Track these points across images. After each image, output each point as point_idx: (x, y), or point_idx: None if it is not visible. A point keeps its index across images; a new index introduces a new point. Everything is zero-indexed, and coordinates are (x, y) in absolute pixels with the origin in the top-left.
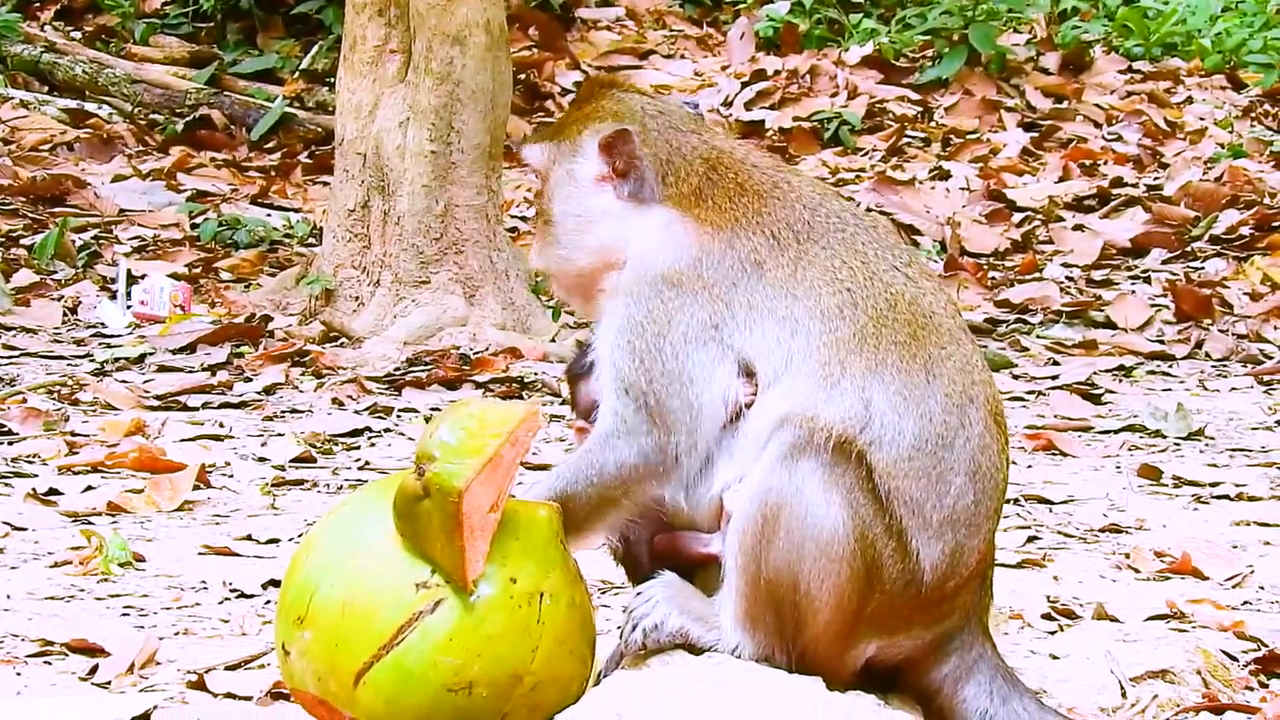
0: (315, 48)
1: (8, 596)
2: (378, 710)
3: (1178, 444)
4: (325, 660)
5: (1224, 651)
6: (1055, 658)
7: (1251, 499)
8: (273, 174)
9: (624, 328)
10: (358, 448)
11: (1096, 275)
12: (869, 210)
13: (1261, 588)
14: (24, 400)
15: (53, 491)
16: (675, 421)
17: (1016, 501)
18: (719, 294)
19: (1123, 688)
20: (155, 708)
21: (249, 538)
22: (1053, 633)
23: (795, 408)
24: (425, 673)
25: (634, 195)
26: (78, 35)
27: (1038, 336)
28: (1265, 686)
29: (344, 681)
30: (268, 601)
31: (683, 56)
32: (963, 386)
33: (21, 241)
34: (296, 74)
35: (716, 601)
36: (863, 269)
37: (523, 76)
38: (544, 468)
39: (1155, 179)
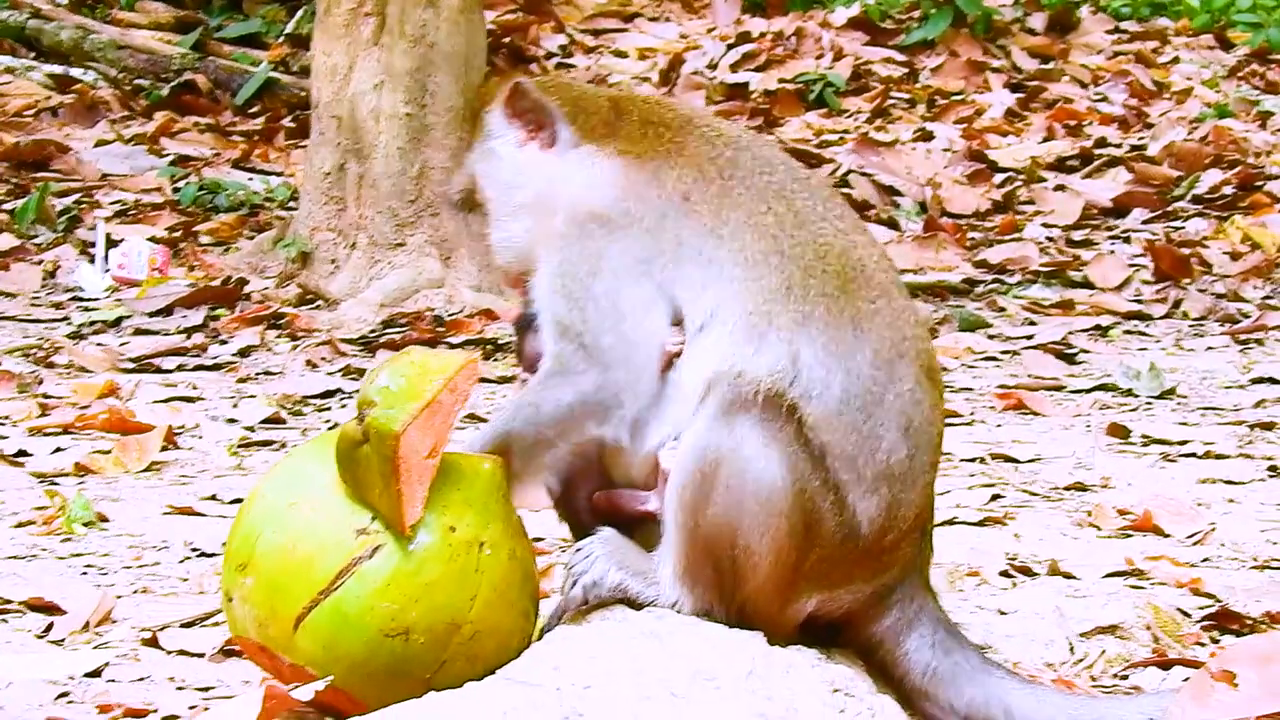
0: (299, 12)
1: None
2: (316, 655)
3: (1149, 403)
4: (265, 606)
5: (1178, 608)
6: (1003, 613)
7: (1219, 457)
8: (256, 139)
9: (557, 271)
10: (329, 409)
11: (1076, 235)
12: (849, 172)
13: (1222, 545)
14: None
15: (21, 453)
16: (613, 358)
17: (981, 460)
18: (647, 226)
19: (1070, 643)
20: (107, 664)
21: (214, 498)
22: (1006, 589)
23: (724, 362)
24: (362, 618)
25: (555, 140)
26: (64, 1)
27: (1015, 296)
28: (1216, 642)
29: (283, 627)
30: None
31: (668, 19)
32: (892, 342)
33: (3, 206)
34: (281, 39)
35: (656, 557)
36: (791, 217)
37: (507, 40)
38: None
39: (1140, 139)
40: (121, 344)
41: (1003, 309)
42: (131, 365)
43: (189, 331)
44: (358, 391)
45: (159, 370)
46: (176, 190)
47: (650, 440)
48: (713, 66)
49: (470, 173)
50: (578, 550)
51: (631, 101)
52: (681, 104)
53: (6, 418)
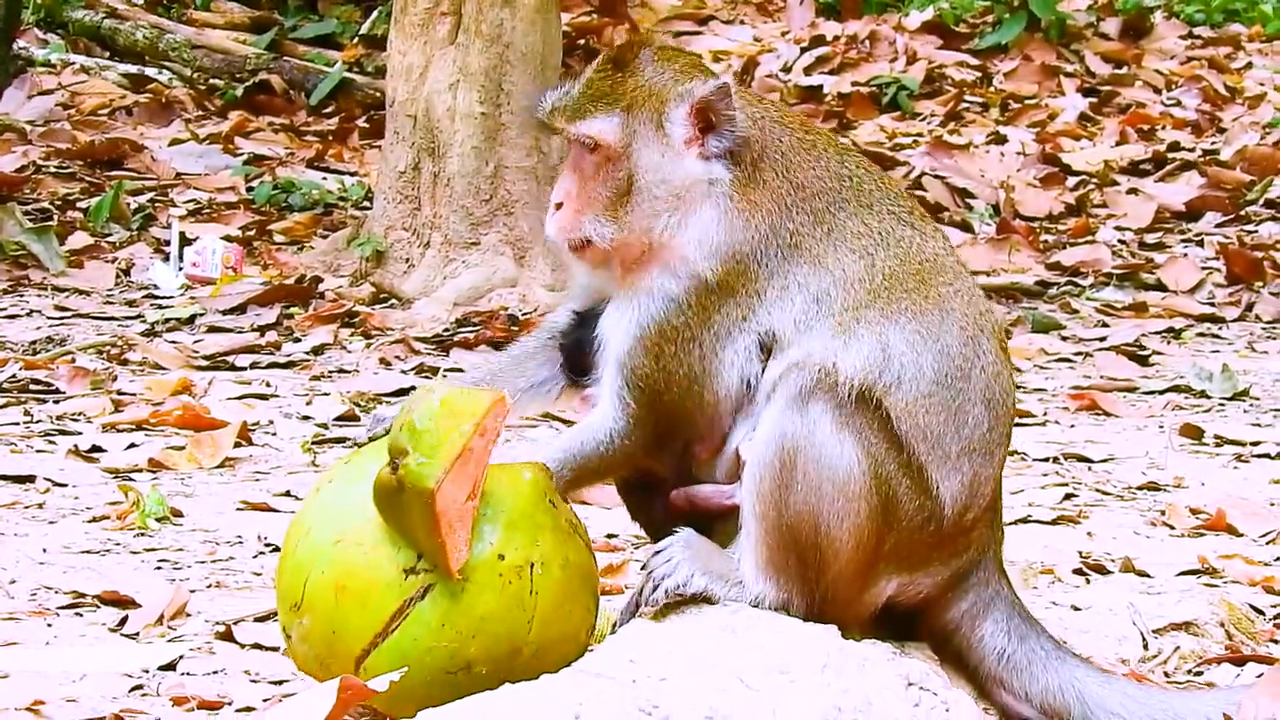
0: (374, 13)
1: (44, 550)
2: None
3: (1222, 404)
4: (324, 646)
5: (1250, 605)
6: (1078, 609)
7: None
8: (330, 138)
9: (653, 325)
10: None
11: (1149, 239)
12: (923, 175)
13: None
14: (73, 360)
15: (95, 449)
16: (686, 416)
17: (1055, 460)
18: (758, 288)
19: (1144, 639)
20: (181, 657)
21: (288, 494)
22: (1079, 587)
23: (811, 356)
24: (422, 660)
25: (719, 154)
26: (139, 0)
27: (1088, 299)
28: None
29: (344, 666)
30: None
31: (742, 22)
32: (973, 318)
33: (78, 205)
34: (356, 39)
35: (735, 553)
36: (879, 229)
37: (582, 41)
38: None
39: (1213, 144)
40: (195, 341)
41: (1076, 311)
42: (205, 363)
43: (263, 329)
44: (388, 433)
45: (233, 368)
46: (250, 189)
47: (733, 437)
48: (787, 69)
49: (625, 142)
50: (657, 553)
51: (778, 129)
52: (802, 121)
53: (81, 414)
